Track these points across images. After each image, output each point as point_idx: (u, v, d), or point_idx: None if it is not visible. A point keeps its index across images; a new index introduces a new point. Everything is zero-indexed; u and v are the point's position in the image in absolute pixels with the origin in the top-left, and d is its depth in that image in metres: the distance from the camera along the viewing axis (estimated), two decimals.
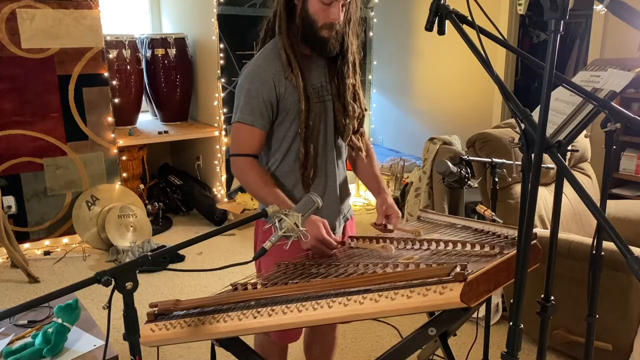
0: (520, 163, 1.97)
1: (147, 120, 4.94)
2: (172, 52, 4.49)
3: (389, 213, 1.66)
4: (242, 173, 1.63)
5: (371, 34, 4.81)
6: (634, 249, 1.38)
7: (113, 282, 1.06)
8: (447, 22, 1.21)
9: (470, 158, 2.07)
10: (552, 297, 1.42)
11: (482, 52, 1.09)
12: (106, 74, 3.87)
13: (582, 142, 2.96)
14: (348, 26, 1.61)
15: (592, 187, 3.03)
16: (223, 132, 4.35)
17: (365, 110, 1.85)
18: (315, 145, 1.66)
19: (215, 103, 4.32)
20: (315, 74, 1.65)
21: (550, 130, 1.35)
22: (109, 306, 1.05)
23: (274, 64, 1.59)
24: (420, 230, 1.57)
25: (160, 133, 4.33)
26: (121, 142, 4.10)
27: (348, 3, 1.57)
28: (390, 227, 1.63)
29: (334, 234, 1.75)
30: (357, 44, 1.67)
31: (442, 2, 1.20)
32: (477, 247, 1.33)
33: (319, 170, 1.69)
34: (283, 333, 1.73)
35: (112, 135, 3.98)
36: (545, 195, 2.72)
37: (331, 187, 1.73)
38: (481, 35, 1.11)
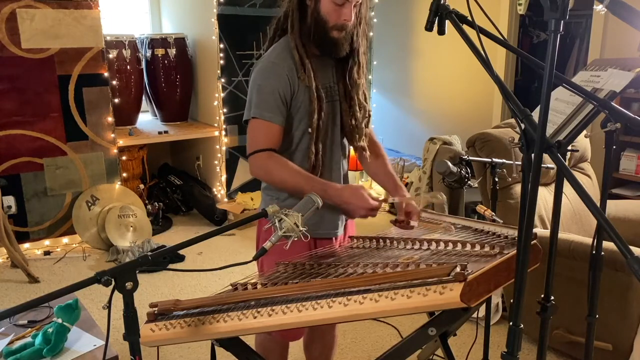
0: (520, 163, 1.97)
1: (147, 120, 4.94)
2: (172, 52, 4.49)
3: (410, 210, 1.64)
4: (265, 168, 1.60)
5: (371, 34, 4.81)
6: (634, 249, 1.38)
7: (113, 282, 1.06)
8: (447, 22, 1.21)
9: (470, 158, 2.07)
10: (552, 297, 1.42)
11: (482, 52, 1.09)
12: (106, 74, 3.87)
13: (582, 142, 2.96)
14: (359, 27, 1.62)
15: (592, 187, 3.03)
16: (223, 132, 4.35)
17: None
18: (323, 144, 1.66)
19: (215, 103, 4.32)
20: (323, 73, 1.65)
21: (550, 130, 1.35)
22: (109, 306, 1.05)
23: (287, 61, 1.59)
24: (451, 226, 1.58)
25: (160, 133, 4.33)
26: (121, 142, 4.10)
27: (359, 4, 1.57)
28: (413, 223, 1.62)
29: (336, 232, 1.75)
30: (365, 45, 1.68)
31: (442, 2, 1.20)
32: (477, 247, 1.33)
33: (326, 170, 1.70)
34: (285, 332, 1.73)
35: (112, 135, 3.98)
36: (545, 195, 2.72)
37: None
38: (481, 35, 1.11)
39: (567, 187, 2.17)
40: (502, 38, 1.19)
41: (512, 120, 2.88)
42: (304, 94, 1.60)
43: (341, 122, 1.70)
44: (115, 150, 4.02)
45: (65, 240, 3.95)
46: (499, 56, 4.52)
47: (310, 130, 1.62)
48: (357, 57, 1.65)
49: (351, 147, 1.81)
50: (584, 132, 1.35)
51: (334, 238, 1.77)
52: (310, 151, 1.63)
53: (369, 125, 1.77)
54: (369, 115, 1.74)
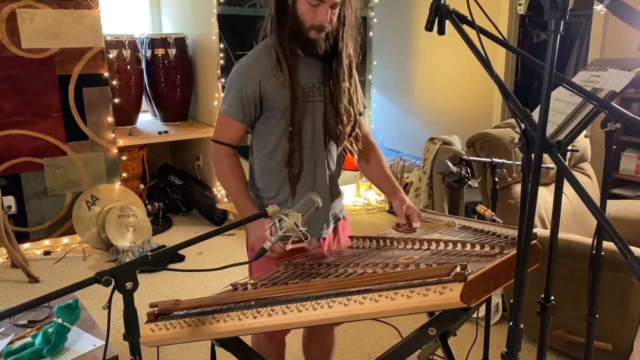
0: (520, 163, 1.97)
1: (147, 120, 4.94)
2: (172, 52, 4.49)
3: (410, 213, 1.64)
4: (215, 159, 1.73)
5: (371, 34, 4.81)
6: (634, 249, 1.38)
7: (113, 282, 1.06)
8: (447, 22, 1.21)
9: (470, 158, 2.07)
10: (552, 297, 1.42)
11: (482, 52, 1.09)
12: (106, 74, 3.87)
13: (582, 142, 2.96)
14: (342, 29, 1.60)
15: (592, 187, 3.03)
16: None
17: (365, 108, 1.85)
18: (302, 144, 1.66)
19: (215, 103, 4.32)
20: (307, 73, 1.64)
21: (550, 130, 1.35)
22: (109, 306, 1.05)
23: (263, 61, 1.62)
24: (454, 221, 1.58)
25: (160, 133, 4.33)
26: (121, 142, 4.10)
27: (341, 4, 1.56)
28: (416, 225, 1.62)
29: (322, 234, 1.74)
30: (353, 47, 1.66)
31: (442, 2, 1.20)
32: (477, 247, 1.33)
33: (307, 170, 1.69)
34: (270, 333, 1.72)
35: (112, 135, 3.98)
36: (545, 195, 2.72)
37: (320, 186, 1.70)
38: (481, 35, 1.11)
39: (567, 187, 2.16)
40: (502, 38, 1.19)
41: (512, 120, 2.88)
42: (279, 94, 1.61)
43: (326, 123, 1.68)
44: (115, 150, 4.02)
45: (65, 240, 3.95)
46: (499, 56, 4.52)
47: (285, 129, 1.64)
48: (342, 60, 1.63)
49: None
50: (584, 132, 1.35)
51: (321, 239, 1.75)
52: (284, 150, 1.65)
53: (355, 130, 1.73)
54: (356, 120, 1.71)
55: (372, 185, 4.81)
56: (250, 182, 1.78)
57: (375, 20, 4.85)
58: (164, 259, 3.56)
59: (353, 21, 1.63)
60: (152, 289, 3.28)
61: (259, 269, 1.67)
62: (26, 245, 3.80)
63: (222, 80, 4.22)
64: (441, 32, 1.22)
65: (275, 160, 1.68)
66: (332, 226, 1.79)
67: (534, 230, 1.15)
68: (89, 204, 3.92)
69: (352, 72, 1.69)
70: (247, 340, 1.42)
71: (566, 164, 1.06)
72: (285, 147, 1.64)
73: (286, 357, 1.97)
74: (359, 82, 1.79)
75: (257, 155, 1.73)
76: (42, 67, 3.64)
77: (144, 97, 4.66)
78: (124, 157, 4.27)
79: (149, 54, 4.51)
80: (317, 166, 1.70)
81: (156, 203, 4.38)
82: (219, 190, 4.48)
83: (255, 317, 1.20)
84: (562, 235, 2.21)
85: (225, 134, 1.71)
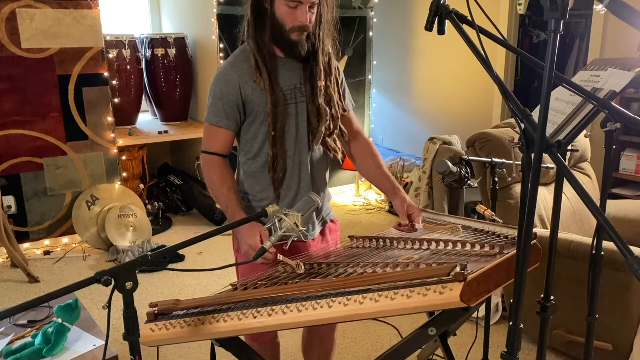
0: (520, 163, 1.97)
1: (147, 120, 4.94)
2: (172, 52, 4.49)
3: (411, 212, 1.62)
4: (205, 169, 1.68)
5: (371, 34, 4.81)
6: (634, 249, 1.38)
7: (113, 282, 1.06)
8: (447, 22, 1.21)
9: (470, 158, 2.07)
10: (552, 297, 1.42)
11: (482, 52, 1.09)
12: (106, 74, 3.87)
13: (582, 142, 2.96)
14: (319, 28, 1.60)
15: (592, 187, 3.03)
16: None
17: (354, 106, 1.83)
18: (285, 148, 1.65)
19: None
20: (288, 75, 1.64)
21: (550, 130, 1.35)
22: (109, 306, 1.05)
23: (242, 65, 1.61)
24: (459, 227, 1.57)
25: (160, 133, 4.33)
26: (121, 142, 4.10)
27: (317, 5, 1.56)
28: (418, 226, 1.59)
29: (308, 236, 1.72)
30: (330, 45, 1.66)
31: (442, 2, 1.20)
32: (477, 247, 1.33)
33: (292, 172, 1.68)
34: (255, 334, 1.69)
35: (112, 135, 3.98)
36: (545, 195, 2.72)
37: (305, 189, 1.69)
38: (481, 35, 1.11)
39: (567, 187, 2.17)
40: (502, 38, 1.18)
41: (512, 120, 2.88)
42: (260, 98, 1.60)
43: (309, 123, 1.67)
44: (115, 150, 4.02)
45: (65, 240, 3.95)
46: (499, 56, 4.52)
47: (268, 133, 1.62)
48: (318, 59, 1.62)
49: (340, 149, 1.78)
50: (584, 132, 1.35)
51: (309, 241, 1.74)
52: (268, 155, 1.64)
53: (336, 128, 1.72)
54: (335, 118, 1.69)
55: (373, 185, 4.81)
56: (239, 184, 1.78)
57: (375, 20, 4.85)
58: (164, 259, 3.57)
59: (330, 19, 1.63)
60: (152, 289, 3.28)
61: (244, 273, 1.67)
62: (26, 245, 3.80)
63: None
64: (441, 32, 1.22)
65: (259, 164, 1.67)
66: (318, 229, 1.78)
67: (534, 230, 1.15)
68: (89, 204, 3.92)
69: (330, 70, 1.67)
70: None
71: (566, 164, 1.06)
72: (269, 152, 1.63)
73: (286, 358, 1.97)
74: (343, 79, 1.77)
75: (242, 158, 1.72)
76: (42, 67, 3.63)
77: (144, 97, 4.66)
78: (124, 157, 4.27)
79: (149, 54, 4.51)
80: (302, 168, 1.69)
81: (156, 203, 4.38)
82: None
83: (255, 317, 1.20)
84: (562, 235, 2.21)
85: (212, 144, 1.66)
